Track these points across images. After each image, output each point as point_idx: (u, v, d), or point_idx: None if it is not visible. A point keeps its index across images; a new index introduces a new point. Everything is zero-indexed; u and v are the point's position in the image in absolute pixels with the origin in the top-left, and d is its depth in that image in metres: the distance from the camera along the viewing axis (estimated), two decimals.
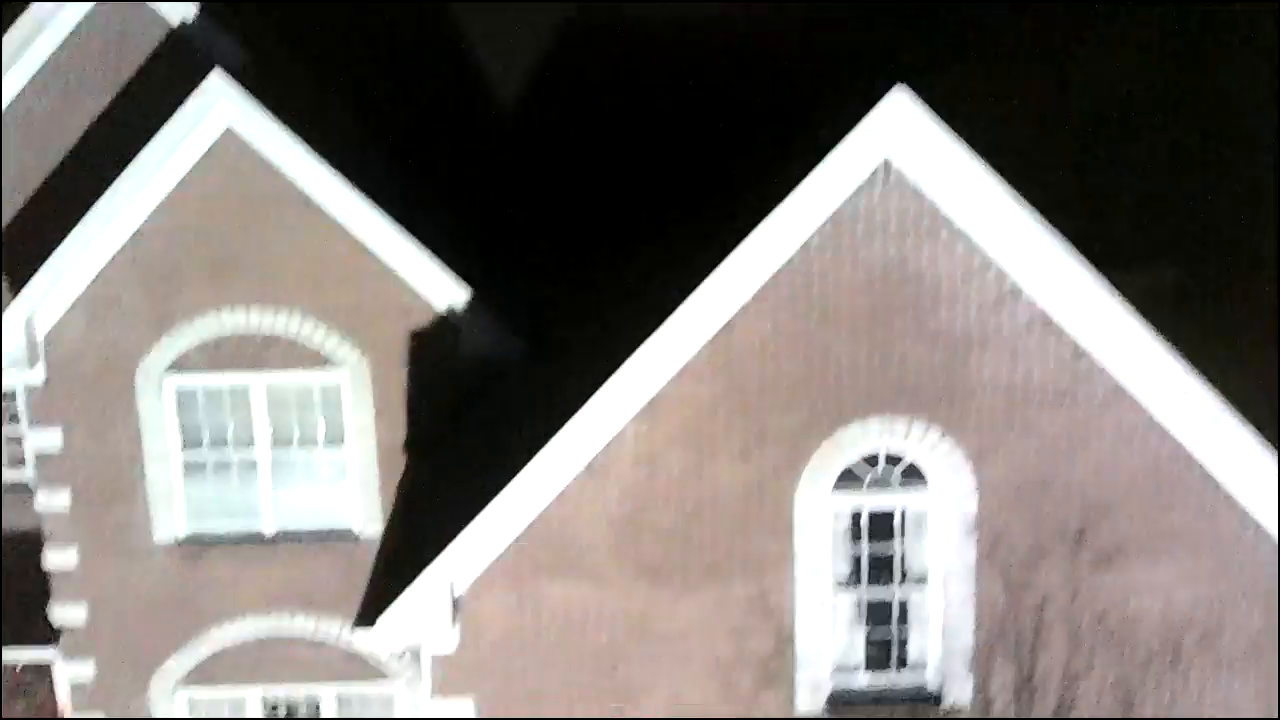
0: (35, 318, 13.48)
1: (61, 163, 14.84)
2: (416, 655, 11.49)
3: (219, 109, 12.96)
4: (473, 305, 13.46)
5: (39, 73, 14.56)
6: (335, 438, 14.04)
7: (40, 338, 13.58)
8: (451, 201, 15.03)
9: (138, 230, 13.34)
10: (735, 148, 14.45)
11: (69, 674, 14.60)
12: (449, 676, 11.32)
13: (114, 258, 13.40)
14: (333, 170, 13.16)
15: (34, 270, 13.82)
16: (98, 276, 13.46)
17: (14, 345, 13.40)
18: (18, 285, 14.71)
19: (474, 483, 12.10)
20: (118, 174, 14.10)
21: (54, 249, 14.06)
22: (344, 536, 14.14)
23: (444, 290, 13.51)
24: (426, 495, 12.97)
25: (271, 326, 13.61)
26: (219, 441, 14.03)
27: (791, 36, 15.44)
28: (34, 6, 14.31)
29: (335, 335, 13.64)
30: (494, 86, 15.91)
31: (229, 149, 13.12)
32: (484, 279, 14.02)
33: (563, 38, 15.86)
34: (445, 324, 13.59)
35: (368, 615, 11.20)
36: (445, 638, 11.16)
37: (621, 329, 12.60)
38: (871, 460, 11.45)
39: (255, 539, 14.16)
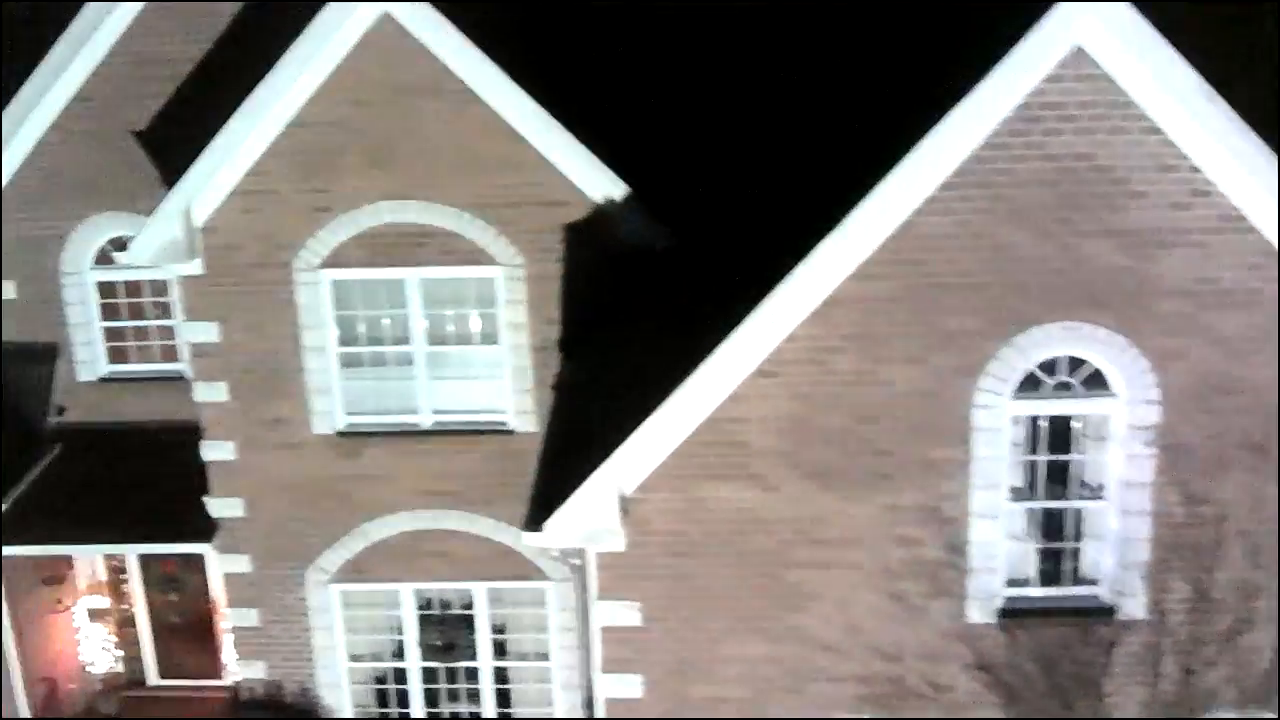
0: (193, 209, 13.41)
1: (211, 49, 14.71)
2: (580, 555, 11.30)
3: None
4: (628, 198, 13.10)
5: None
6: (490, 332, 13.83)
7: (198, 229, 13.53)
8: (599, 94, 14.58)
9: (294, 120, 13.12)
10: (905, 40, 13.82)
11: (224, 567, 14.76)
12: (615, 577, 11.13)
13: (270, 148, 13.19)
14: (490, 60, 12.82)
15: (189, 161, 13.80)
16: (254, 167, 13.28)
17: (172, 235, 13.34)
18: (172, 176, 14.71)
19: (634, 381, 11.84)
20: (271, 61, 14.07)
21: (207, 139, 14.08)
22: (498, 430, 14.04)
23: (599, 183, 13.14)
24: (583, 392, 12.70)
25: (428, 220, 13.39)
26: (375, 335, 13.94)
27: None
28: None
29: (491, 229, 13.37)
30: None
31: (386, 35, 12.77)
32: (635, 173, 13.64)
33: None
34: (601, 217, 13.24)
35: (534, 515, 10.99)
36: (614, 538, 10.96)
37: (785, 224, 12.20)
38: (1050, 366, 10.97)
39: (411, 432, 14.10)
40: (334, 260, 13.56)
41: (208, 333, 13.82)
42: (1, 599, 15.15)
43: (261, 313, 13.74)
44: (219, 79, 14.62)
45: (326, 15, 12.67)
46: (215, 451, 14.25)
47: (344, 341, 13.90)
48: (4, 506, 14.76)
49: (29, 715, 15.65)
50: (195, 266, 13.61)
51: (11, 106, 14.85)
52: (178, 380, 15.72)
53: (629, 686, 11.45)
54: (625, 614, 11.23)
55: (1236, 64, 13.96)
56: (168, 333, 15.84)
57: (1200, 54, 10.68)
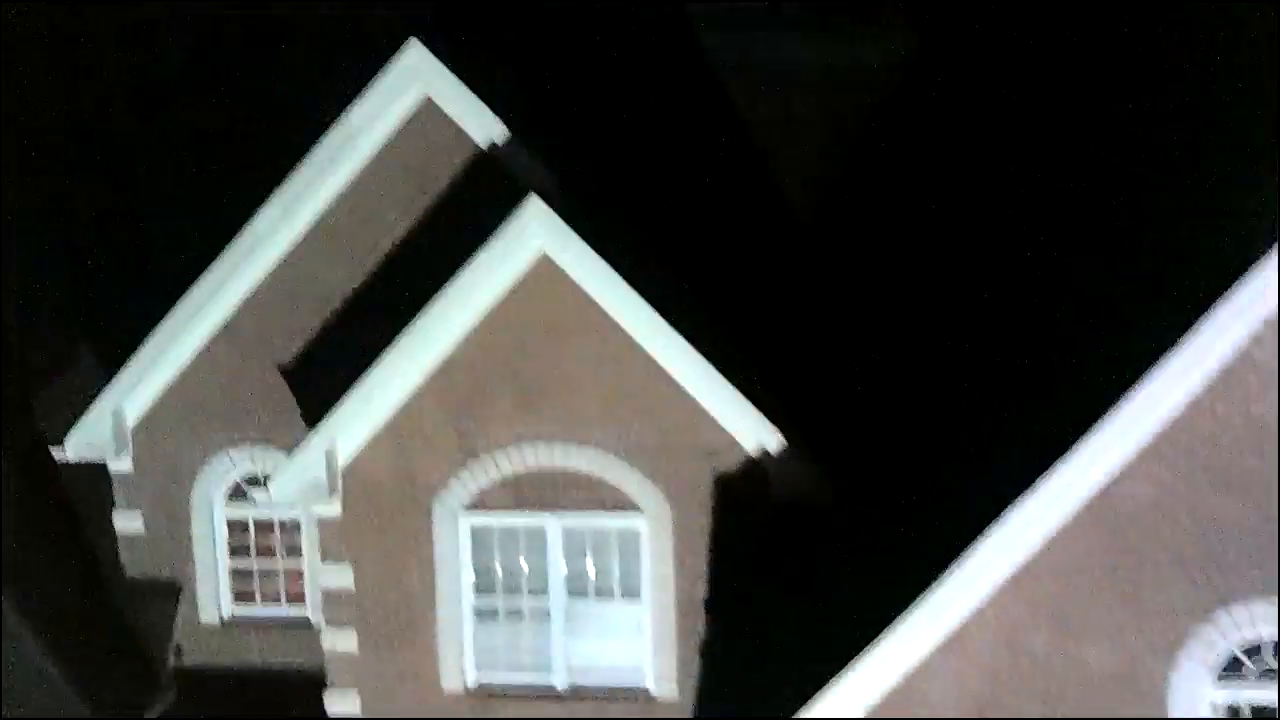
0: (336, 447, 13.07)
1: (363, 283, 14.62)
2: None
3: (535, 235, 12.46)
4: (784, 447, 12.54)
5: (345, 190, 14.44)
6: (632, 588, 13.13)
7: (338, 469, 13.16)
8: (751, 333, 14.22)
9: (447, 359, 12.87)
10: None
11: None
12: None
13: (421, 387, 12.92)
14: (644, 301, 12.51)
15: (332, 398, 13.60)
16: (403, 406, 12.99)
17: (315, 475, 12.98)
18: (313, 412, 14.48)
19: (790, 652, 11.09)
20: (420, 298, 13.95)
21: (351, 375, 13.89)
22: (638, 695, 13.18)
23: (754, 430, 12.60)
24: (735, 658, 11.96)
25: (574, 464, 12.91)
26: (512, 587, 13.32)
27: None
28: (345, 122, 14.18)
29: (638, 476, 12.83)
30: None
31: (543, 276, 12.56)
32: (790, 417, 13.10)
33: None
34: (755, 467, 12.66)
35: None
36: None
37: (953, 481, 11.53)
38: (1254, 649, 10.01)
39: (547, 692, 13.30)
40: (476, 505, 13.07)
41: (341, 577, 13.27)
42: None
43: (398, 558, 13.19)
44: (368, 315, 14.52)
45: (485, 254, 12.50)
46: (339, 703, 13.53)
47: (480, 591, 13.30)
48: None
49: None
50: (334, 508, 13.20)
51: (155, 334, 14.84)
52: (304, 626, 15.22)
53: None
54: None
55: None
56: (294, 576, 15.38)
57: None
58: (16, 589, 14.23)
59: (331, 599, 13.39)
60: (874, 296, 14.45)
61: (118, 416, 14.99)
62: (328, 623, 13.45)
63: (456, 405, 12.96)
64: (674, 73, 17.58)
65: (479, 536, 13.18)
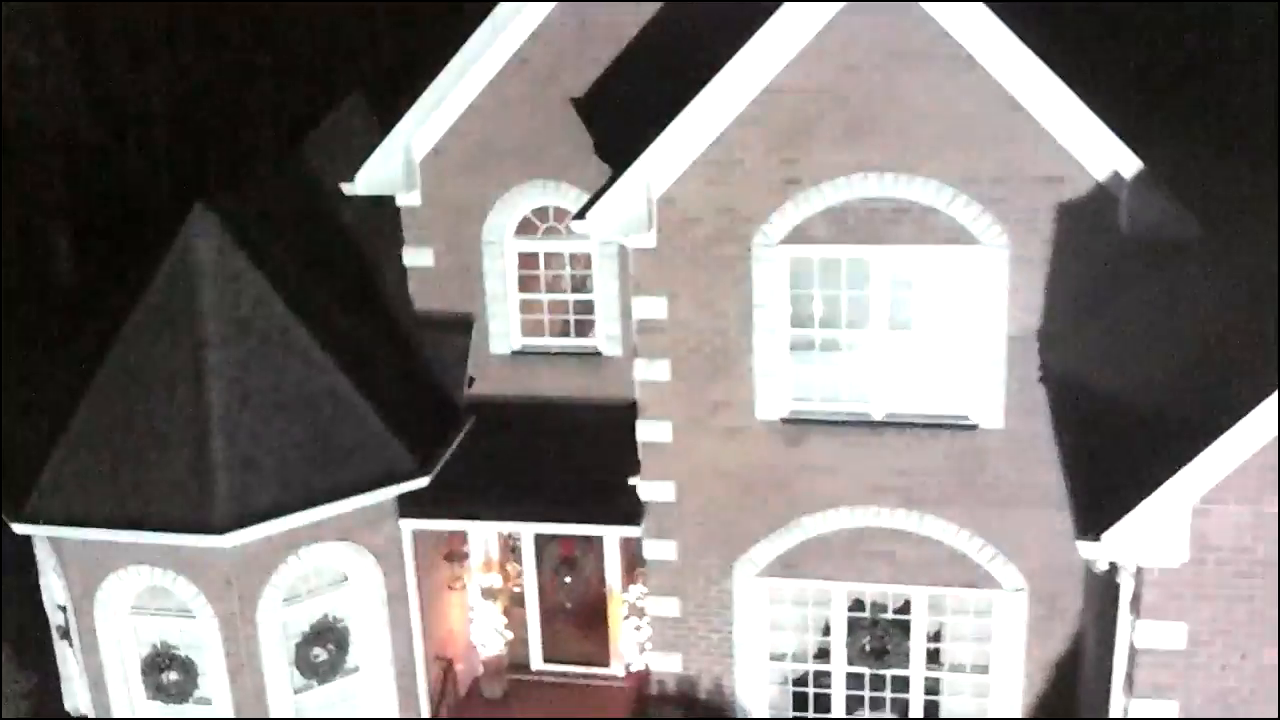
0: (652, 180, 12.73)
1: (659, 11, 13.98)
2: (1113, 568, 10.23)
3: None
4: (1140, 176, 11.84)
5: None
6: (959, 320, 12.83)
7: (654, 200, 12.85)
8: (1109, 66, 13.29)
9: (770, 85, 12.30)
10: None
11: (649, 554, 14.11)
12: (1165, 596, 9.99)
13: (739, 116, 12.41)
14: (994, 15, 11.74)
15: (630, 129, 13.18)
16: (720, 137, 12.50)
17: (632, 206, 12.68)
18: (608, 144, 14.13)
19: (1133, 386, 10.70)
20: (722, 27, 13.39)
21: (648, 107, 13.45)
22: (962, 427, 12.99)
23: (1106, 157, 11.90)
24: (1086, 390, 11.59)
25: (905, 194, 12.42)
26: (830, 319, 13.07)
27: None
28: None
29: (975, 206, 12.31)
30: None
31: None
32: (1146, 146, 12.13)
33: None
34: (1104, 197, 12.05)
35: (1084, 523, 9.93)
36: (1175, 553, 9.85)
37: None
38: None
39: (861, 423, 13.16)
40: (796, 236, 12.69)
41: (656, 308, 13.12)
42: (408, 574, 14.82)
43: (713, 290, 12.97)
44: (665, 43, 13.96)
45: None
46: (650, 432, 13.54)
47: (797, 324, 13.08)
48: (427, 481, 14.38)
49: (426, 692, 15.29)
50: (649, 239, 12.94)
51: (446, 69, 14.43)
52: (592, 356, 15.21)
53: (1163, 712, 10.33)
54: (1170, 636, 10.10)
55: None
56: (583, 307, 15.27)
57: None
58: (314, 324, 14.37)
59: (646, 329, 13.25)
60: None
61: (407, 151, 14.78)
62: (640, 353, 13.35)
63: (779, 134, 12.46)
64: None
65: (797, 268, 12.90)
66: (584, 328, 15.34)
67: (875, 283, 12.78)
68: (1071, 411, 11.33)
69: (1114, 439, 10.42)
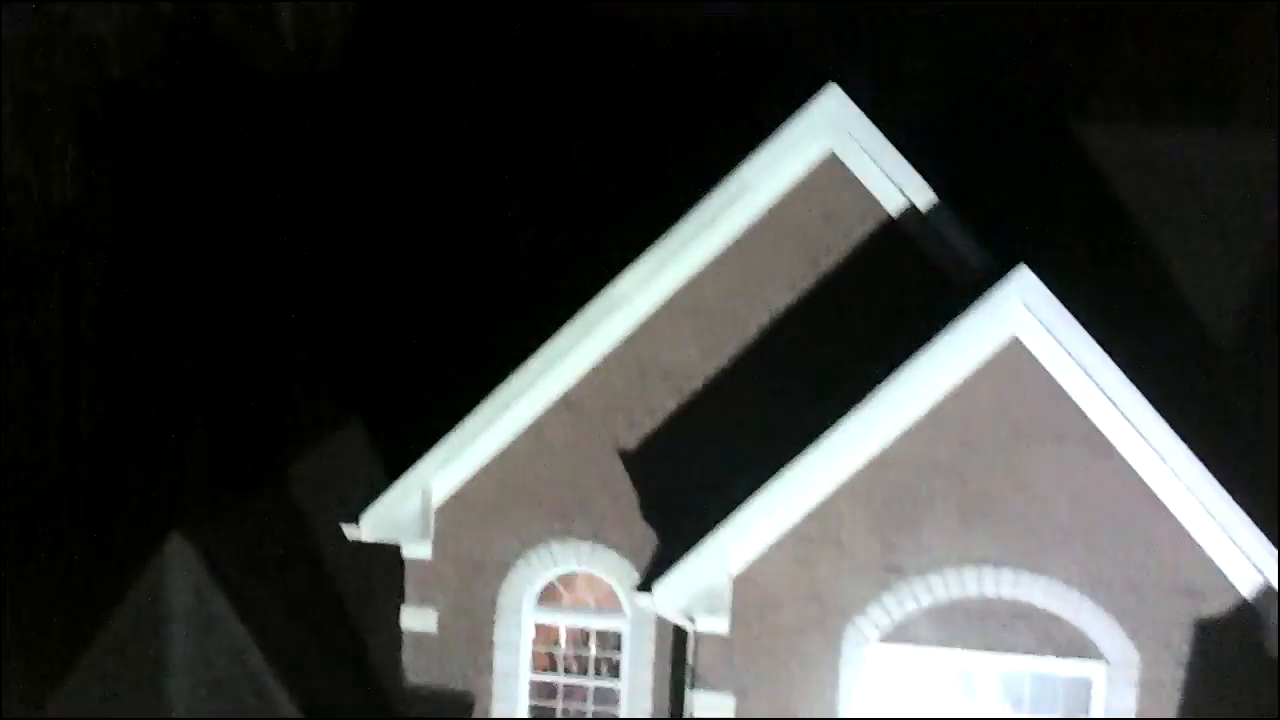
0: (730, 558, 11.02)
1: (728, 362, 12.64)
2: None
3: (1005, 317, 10.54)
4: None
5: (722, 254, 12.54)
6: None
7: (729, 579, 11.09)
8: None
9: (877, 457, 10.87)
10: None
11: None
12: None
13: (841, 488, 10.90)
14: (1139, 400, 10.53)
15: (683, 487, 11.75)
16: (816, 510, 10.97)
17: (708, 582, 10.91)
18: (658, 504, 12.50)
19: None
20: (797, 383, 12.11)
21: (707, 465, 12.00)
22: None
23: (1254, 568, 10.57)
24: None
25: (1023, 595, 10.82)
26: None
27: None
28: (736, 176, 12.28)
29: (1104, 615, 10.76)
30: None
31: (1009, 366, 10.62)
32: None
33: None
34: (1249, 614, 10.62)
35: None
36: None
37: None
38: None
39: None
40: (895, 634, 10.98)
41: (720, 707, 11.09)
42: None
43: (793, 691, 11.07)
44: (731, 399, 12.56)
45: (945, 340, 10.55)
46: None
47: None
48: None
49: None
50: (721, 623, 11.10)
51: (482, 406, 12.82)
52: None
53: None
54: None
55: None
56: (604, 695, 13.18)
57: None
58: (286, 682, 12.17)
59: None
60: None
61: (425, 495, 12.97)
62: None
63: (883, 513, 10.94)
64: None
65: (893, 674, 11.09)
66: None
67: (981, 697, 10.99)
68: None
69: None
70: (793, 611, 11.06)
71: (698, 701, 11.20)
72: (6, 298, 17.54)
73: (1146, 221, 13.47)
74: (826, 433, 10.82)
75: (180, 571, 12.14)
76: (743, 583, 11.08)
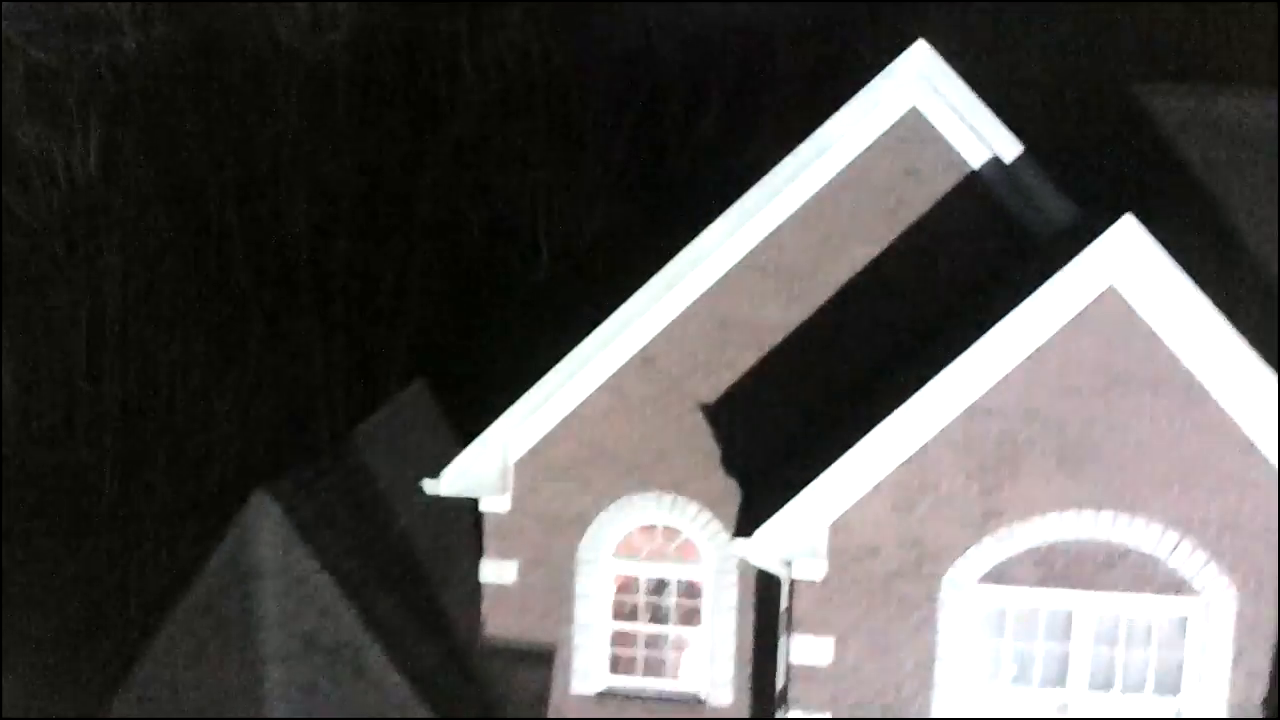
0: (826, 505, 11.11)
1: (809, 316, 12.70)
2: None
3: (1103, 267, 10.64)
4: None
5: (803, 210, 12.58)
6: (1169, 683, 11.19)
7: (825, 526, 11.19)
8: None
9: (975, 405, 10.95)
10: None
11: None
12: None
13: (938, 436, 10.96)
14: (1237, 347, 10.64)
15: (763, 440, 11.86)
16: (911, 458, 11.04)
17: (800, 531, 11.00)
18: (738, 457, 12.60)
19: None
20: (879, 338, 12.22)
21: (791, 418, 12.09)
22: None
23: None
24: None
25: (1122, 538, 10.97)
26: (1022, 676, 11.30)
27: None
28: (819, 134, 12.31)
29: (1200, 555, 10.91)
30: None
31: (1108, 313, 10.72)
32: None
33: None
34: None
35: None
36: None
37: None
38: None
39: None
40: (994, 577, 11.10)
41: (820, 652, 11.21)
42: None
43: (890, 634, 11.17)
44: (810, 353, 12.64)
45: (1050, 288, 10.63)
46: None
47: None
48: None
49: None
50: (818, 569, 11.20)
51: (561, 364, 12.82)
52: (693, 703, 13.13)
53: None
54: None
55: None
56: (684, 644, 13.27)
57: None
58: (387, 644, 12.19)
59: (804, 677, 11.32)
60: None
61: (504, 450, 12.96)
62: (796, 704, 11.35)
63: (981, 459, 11.03)
64: None
65: (991, 615, 11.24)
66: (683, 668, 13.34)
67: (1078, 636, 11.16)
68: None
69: None
70: (890, 556, 11.14)
71: (796, 645, 11.31)
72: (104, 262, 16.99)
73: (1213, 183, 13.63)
74: (923, 382, 10.93)
75: (265, 529, 12.16)
76: (839, 529, 11.14)
